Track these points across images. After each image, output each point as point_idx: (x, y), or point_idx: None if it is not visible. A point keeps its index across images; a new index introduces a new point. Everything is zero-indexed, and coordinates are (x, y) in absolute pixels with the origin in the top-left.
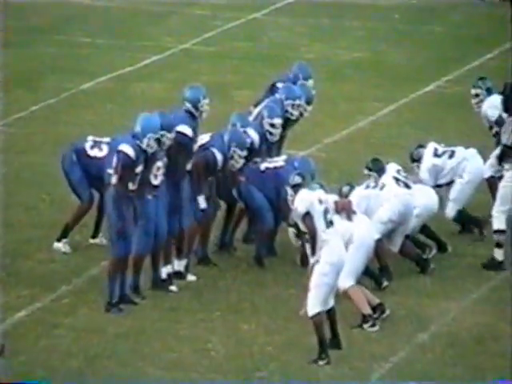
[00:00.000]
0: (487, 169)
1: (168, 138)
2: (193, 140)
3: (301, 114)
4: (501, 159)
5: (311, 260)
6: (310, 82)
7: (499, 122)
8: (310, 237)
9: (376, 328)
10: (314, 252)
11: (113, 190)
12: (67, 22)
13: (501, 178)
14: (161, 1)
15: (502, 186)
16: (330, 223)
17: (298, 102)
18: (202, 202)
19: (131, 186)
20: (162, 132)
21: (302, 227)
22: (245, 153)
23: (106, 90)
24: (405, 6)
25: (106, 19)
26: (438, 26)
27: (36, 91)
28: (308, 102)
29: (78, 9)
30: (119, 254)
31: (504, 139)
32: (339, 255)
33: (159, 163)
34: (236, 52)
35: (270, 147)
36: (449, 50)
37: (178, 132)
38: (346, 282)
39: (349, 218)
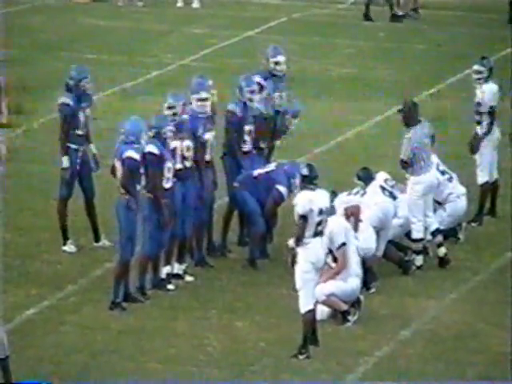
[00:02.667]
0: (481, 175)
1: (168, 133)
2: None
3: (287, 127)
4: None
5: (290, 242)
6: (281, 58)
7: (491, 110)
8: (296, 232)
9: (358, 314)
10: (296, 243)
11: (124, 200)
12: (75, 40)
13: (493, 183)
14: (162, 20)
15: (408, 200)
16: (318, 233)
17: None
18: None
19: (138, 187)
20: (164, 130)
21: (295, 218)
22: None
23: (109, 104)
24: (389, 26)
25: (110, 37)
26: (420, 44)
27: (44, 104)
28: (294, 116)
29: (84, 28)
30: (127, 257)
31: (402, 153)
32: (318, 256)
33: (169, 164)
34: (231, 68)
35: (255, 119)
36: (430, 67)
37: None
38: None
39: (355, 228)
